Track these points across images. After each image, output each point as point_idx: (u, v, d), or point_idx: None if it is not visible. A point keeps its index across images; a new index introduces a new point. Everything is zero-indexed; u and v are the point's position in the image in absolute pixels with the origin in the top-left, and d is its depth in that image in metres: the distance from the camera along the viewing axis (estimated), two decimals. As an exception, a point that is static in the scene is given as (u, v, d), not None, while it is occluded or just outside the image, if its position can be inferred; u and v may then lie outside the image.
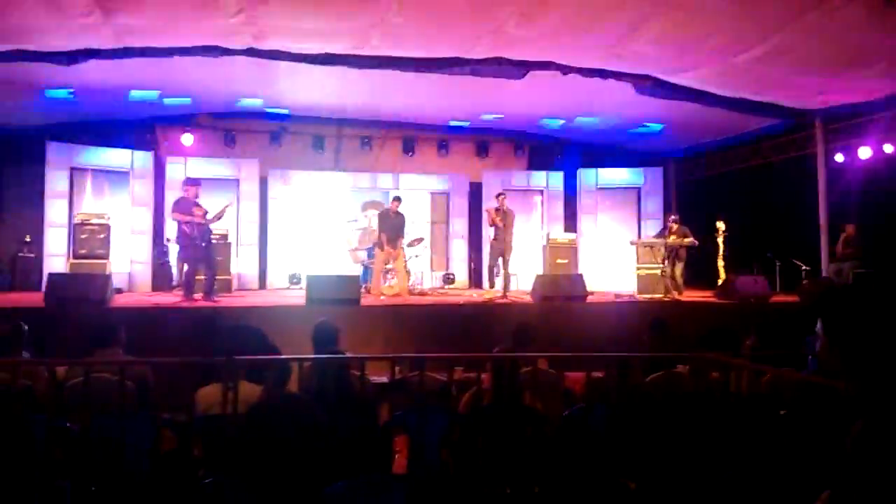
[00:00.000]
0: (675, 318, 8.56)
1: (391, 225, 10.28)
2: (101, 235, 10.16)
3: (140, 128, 12.09)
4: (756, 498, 2.87)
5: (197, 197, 8.73)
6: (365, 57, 8.54)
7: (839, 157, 11.14)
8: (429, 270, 12.48)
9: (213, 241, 9.16)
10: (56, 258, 10.85)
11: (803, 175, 11.31)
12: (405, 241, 10.74)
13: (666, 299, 9.80)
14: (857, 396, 1.74)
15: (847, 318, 1.78)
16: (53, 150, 11.15)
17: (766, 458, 3.14)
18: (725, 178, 13.58)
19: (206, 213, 8.61)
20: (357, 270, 11.36)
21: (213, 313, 7.60)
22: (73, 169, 11.33)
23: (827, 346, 1.81)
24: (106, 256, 10.14)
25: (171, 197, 11.71)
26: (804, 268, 10.94)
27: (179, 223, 8.53)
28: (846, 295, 1.94)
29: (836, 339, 1.78)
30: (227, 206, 9.09)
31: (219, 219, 8.86)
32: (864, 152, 10.76)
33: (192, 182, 8.94)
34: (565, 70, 8.88)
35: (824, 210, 10.80)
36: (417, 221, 12.10)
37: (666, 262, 10.13)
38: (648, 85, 9.41)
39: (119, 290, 9.72)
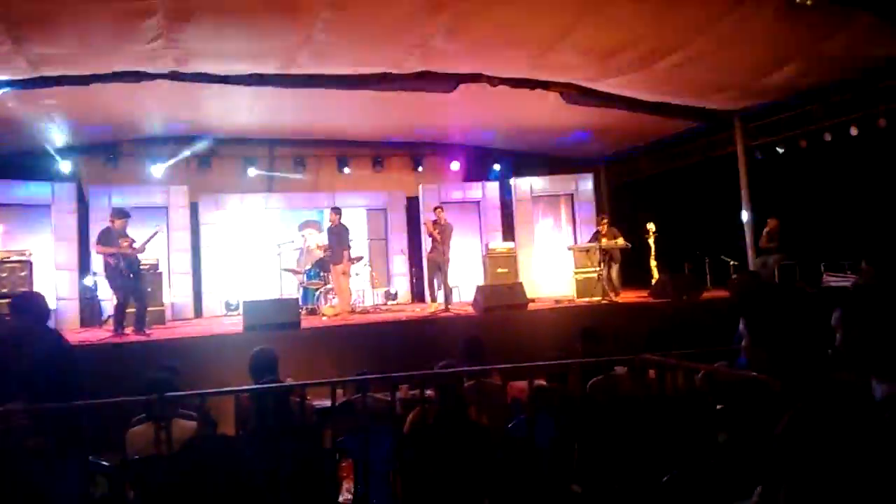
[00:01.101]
0: (612, 319, 8.76)
1: (342, 238, 10.14)
2: (23, 273, 9.68)
3: (61, 158, 11.61)
4: (697, 494, 2.93)
5: (124, 228, 8.43)
6: (294, 76, 8.46)
7: (758, 154, 11.62)
8: (370, 288, 12.38)
9: (143, 272, 8.86)
10: (-25, 299, 10.30)
11: (726, 173, 11.75)
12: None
13: (604, 301, 9.99)
14: (782, 391, 1.79)
15: (766, 313, 1.84)
16: (-33, 186, 10.61)
17: (703, 455, 3.22)
18: (654, 181, 13.98)
19: (132, 242, 8.32)
20: (295, 293, 11.17)
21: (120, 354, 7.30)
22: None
23: (749, 342, 1.86)
24: (29, 294, 9.67)
25: (95, 229, 11.29)
26: (732, 263, 11.35)
27: (104, 255, 8.22)
28: (764, 291, 2.00)
29: (757, 335, 1.84)
30: (155, 233, 8.81)
31: (144, 247, 8.57)
32: (780, 148, 11.27)
33: (118, 213, 8.61)
34: (494, 82, 9.02)
35: (747, 206, 11.24)
36: (356, 239, 12.00)
37: (601, 264, 10.34)
38: (573, 93, 9.64)
39: (45, 329, 9.27)
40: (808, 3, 6.59)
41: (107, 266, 8.23)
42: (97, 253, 8.41)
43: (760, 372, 2.13)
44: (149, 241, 8.55)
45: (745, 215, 11.22)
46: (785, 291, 1.95)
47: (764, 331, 1.86)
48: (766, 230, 11.04)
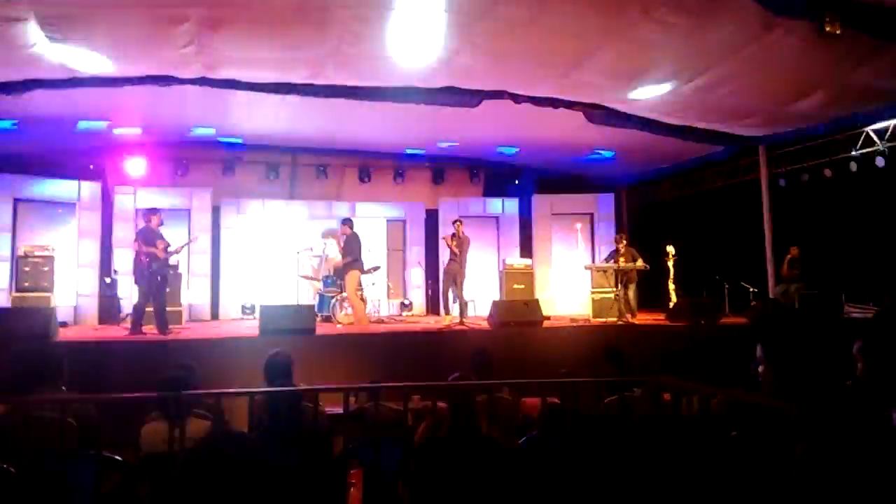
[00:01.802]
0: (629, 341, 8.70)
1: (353, 248, 10.13)
2: (45, 268, 9.84)
3: (88, 158, 11.80)
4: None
5: (160, 226, 8.61)
6: (320, 86, 8.55)
7: (782, 182, 11.54)
8: (385, 298, 12.41)
9: (169, 275, 9.03)
10: (-2, 292, 10.49)
11: (749, 199, 11.67)
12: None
13: (620, 323, 9.93)
14: (799, 417, 1.77)
15: (785, 341, 1.82)
16: (-4, 182, 10.82)
17: (718, 480, 3.18)
18: (675, 204, 13.92)
19: (167, 246, 8.50)
20: (312, 300, 11.22)
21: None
22: (16, 200, 10.99)
23: (767, 369, 1.84)
24: (50, 289, 9.81)
25: (119, 228, 11.47)
26: (752, 290, 11.24)
27: (138, 253, 8.36)
28: (784, 318, 1.98)
29: (775, 362, 1.82)
30: (189, 242, 9.02)
31: (176, 253, 8.77)
32: (805, 177, 11.18)
33: (153, 211, 8.79)
34: (518, 99, 9.04)
35: (769, 233, 11.15)
36: (374, 249, 12.05)
37: (618, 285, 10.29)
38: (598, 113, 9.63)
39: (64, 324, 9.40)
40: (837, 31, 6.57)
41: (137, 264, 8.37)
42: (135, 250, 8.51)
43: (776, 398, 2.11)
44: (183, 247, 8.75)
45: (766, 242, 11.13)
46: (804, 319, 1.94)
47: (781, 357, 1.85)
48: (787, 258, 10.94)
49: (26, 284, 9.72)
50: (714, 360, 5.14)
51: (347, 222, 10.35)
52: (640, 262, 10.56)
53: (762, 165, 11.44)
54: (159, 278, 8.42)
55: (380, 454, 3.45)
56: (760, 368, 1.90)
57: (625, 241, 10.83)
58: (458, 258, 10.12)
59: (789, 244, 10.97)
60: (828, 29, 6.57)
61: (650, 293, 11.76)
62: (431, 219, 13.70)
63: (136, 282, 8.58)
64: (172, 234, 9.33)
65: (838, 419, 1.71)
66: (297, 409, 3.66)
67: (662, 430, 3.73)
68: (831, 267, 10.38)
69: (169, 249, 8.52)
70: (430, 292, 13.47)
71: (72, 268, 11.04)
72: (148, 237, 8.41)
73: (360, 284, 10.30)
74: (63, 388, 4.44)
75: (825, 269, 10.44)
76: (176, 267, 10.73)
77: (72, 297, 10.97)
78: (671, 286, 11.17)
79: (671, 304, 10.76)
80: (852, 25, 6.56)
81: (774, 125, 10.28)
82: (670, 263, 11.13)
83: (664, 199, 14.35)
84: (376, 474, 3.43)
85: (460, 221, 10.52)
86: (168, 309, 8.91)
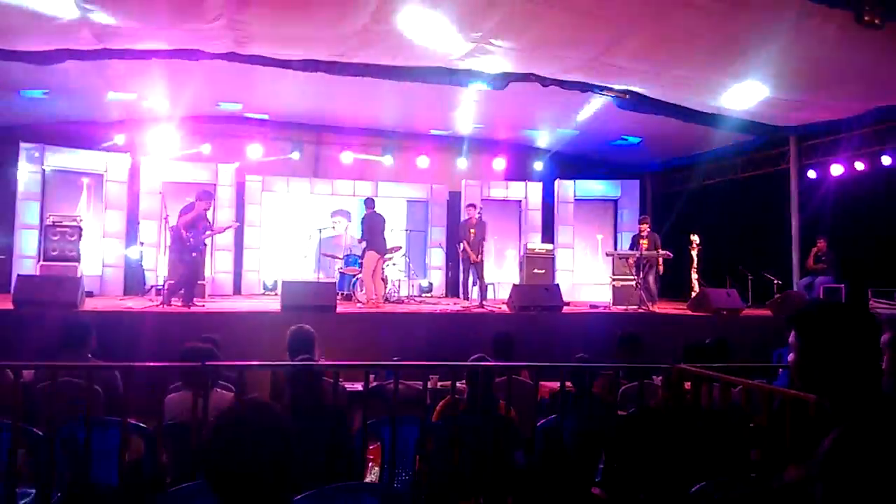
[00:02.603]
0: (648, 328, 8.66)
1: (374, 227, 10.12)
2: (73, 238, 9.98)
3: (116, 130, 11.92)
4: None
5: (206, 210, 8.79)
6: (347, 64, 8.54)
7: (812, 174, 11.35)
8: (405, 279, 12.45)
9: (203, 252, 9.23)
10: (27, 260, 10.67)
11: (776, 190, 11.50)
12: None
13: (640, 310, 9.88)
14: (832, 410, 1.75)
15: (823, 331, 1.80)
16: (26, 152, 10.96)
17: (734, 469, 3.17)
18: (701, 192, 13.75)
19: (209, 227, 8.71)
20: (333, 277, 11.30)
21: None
22: (46, 170, 11.16)
23: (799, 358, 1.82)
24: (77, 259, 9.96)
25: (145, 201, 11.59)
26: (776, 281, 11.10)
27: (179, 230, 8.51)
28: (823, 309, 1.95)
29: (811, 353, 1.79)
30: (231, 226, 9.22)
31: (218, 233, 9.01)
32: (836, 169, 10.98)
33: (206, 196, 8.96)
34: (545, 82, 8.95)
35: (796, 225, 10.99)
36: (395, 230, 12.08)
37: (640, 272, 10.21)
38: (628, 98, 9.52)
39: (90, 294, 9.56)
40: (876, 21, 6.40)
41: (177, 240, 8.53)
42: (180, 227, 8.61)
43: (808, 390, 2.08)
44: (223, 230, 8.93)
45: (793, 233, 10.98)
46: (848, 311, 1.89)
47: (820, 349, 1.81)
48: (813, 250, 10.78)
49: (54, 253, 9.87)
50: (735, 351, 5.11)
51: (369, 202, 10.36)
52: (662, 251, 10.46)
53: (792, 156, 11.26)
54: (193, 254, 8.58)
55: (398, 431, 3.49)
56: (791, 357, 1.87)
57: (648, 226, 10.72)
58: (475, 243, 10.14)
59: (816, 236, 10.81)
60: (866, 18, 6.41)
61: (672, 282, 11.66)
62: (453, 200, 13.68)
63: (172, 257, 8.76)
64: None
65: (870, 409, 1.69)
66: (318, 384, 3.71)
67: (681, 418, 3.72)
68: (859, 261, 10.21)
69: (208, 233, 8.75)
70: (449, 274, 13.49)
71: (98, 238, 11.21)
72: (195, 220, 8.58)
73: (381, 265, 10.33)
74: (89, 356, 4.54)
75: (852, 264, 10.27)
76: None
77: (97, 267, 11.15)
78: (694, 275, 11.06)
79: (693, 294, 10.66)
80: (892, 15, 6.38)
81: (806, 115, 10.09)
82: (694, 252, 11.01)
83: (690, 187, 14.18)
84: (394, 450, 3.47)
85: (475, 206, 10.52)
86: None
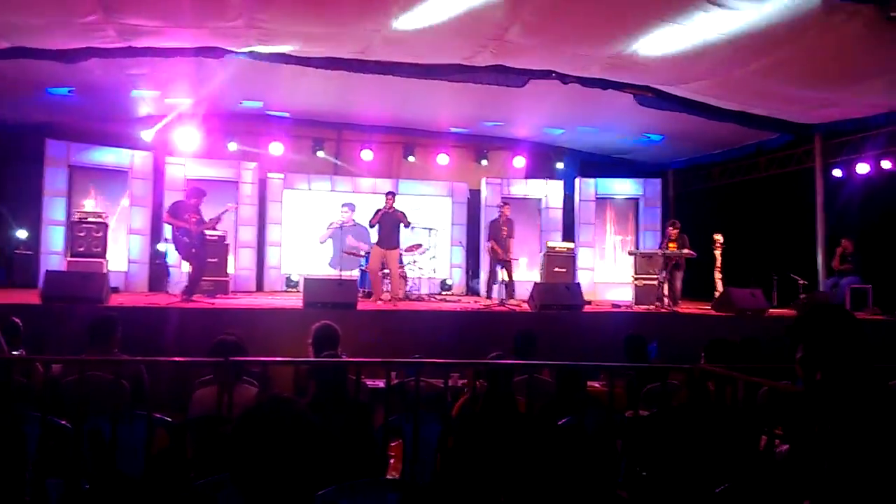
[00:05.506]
0: (670, 328, 8.60)
1: (385, 223, 10.10)
2: (99, 234, 10.13)
3: (140, 127, 12.06)
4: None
5: (196, 205, 8.77)
6: (367, 62, 8.57)
7: (837, 172, 11.18)
8: (426, 276, 12.47)
9: (206, 244, 9.21)
10: (53, 256, 10.85)
11: (802, 189, 11.34)
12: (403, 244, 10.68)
13: (663, 310, 9.80)
14: (838, 409, 1.75)
15: (821, 335, 1.81)
16: (53, 148, 11.15)
17: (758, 469, 3.14)
18: (724, 191, 13.61)
19: (199, 219, 8.66)
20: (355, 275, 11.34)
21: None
22: (71, 167, 11.33)
23: (803, 359, 1.83)
24: (103, 255, 10.11)
25: (169, 197, 11.72)
26: (801, 282, 10.94)
27: (173, 226, 8.60)
28: (822, 313, 1.95)
29: (813, 354, 1.81)
30: (224, 211, 9.14)
31: (218, 222, 8.94)
32: (863, 168, 10.81)
33: (196, 193, 8.95)
34: (566, 79, 8.91)
35: (822, 224, 10.84)
36: (415, 228, 12.09)
37: (665, 272, 10.11)
38: (649, 96, 9.44)
39: (115, 290, 9.70)
40: (904, 17, 6.29)
41: (174, 236, 8.63)
42: (165, 222, 8.85)
43: (814, 390, 2.08)
44: (218, 218, 8.89)
45: (818, 233, 10.82)
46: (842, 316, 1.92)
47: (819, 351, 1.84)
48: (839, 251, 10.62)
49: (80, 249, 10.02)
50: (760, 352, 5.05)
51: (389, 195, 10.26)
52: (687, 250, 10.33)
53: (817, 154, 11.10)
54: (193, 249, 8.64)
55: (419, 428, 3.50)
56: (798, 356, 1.88)
57: (677, 229, 10.55)
58: (504, 242, 10.15)
59: (842, 237, 10.64)
60: (893, 14, 6.31)
61: (696, 282, 11.54)
62: (474, 198, 13.67)
63: (178, 252, 8.88)
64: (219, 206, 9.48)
65: (877, 405, 1.69)
66: (341, 380, 3.73)
67: (704, 418, 3.69)
68: (886, 262, 10.05)
69: (199, 224, 8.70)
70: (469, 272, 13.48)
71: (123, 234, 11.37)
72: (176, 211, 8.61)
73: (401, 262, 10.36)
74: (116, 350, 4.61)
75: (879, 264, 10.11)
76: (223, 238, 10.95)
77: (123, 263, 11.31)
78: (718, 275, 10.93)
79: (717, 294, 10.55)
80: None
81: (831, 113, 9.93)
82: (717, 252, 10.88)
83: (713, 186, 14.03)
84: (415, 447, 3.48)
85: (507, 204, 10.58)
86: (216, 279, 9.14)
